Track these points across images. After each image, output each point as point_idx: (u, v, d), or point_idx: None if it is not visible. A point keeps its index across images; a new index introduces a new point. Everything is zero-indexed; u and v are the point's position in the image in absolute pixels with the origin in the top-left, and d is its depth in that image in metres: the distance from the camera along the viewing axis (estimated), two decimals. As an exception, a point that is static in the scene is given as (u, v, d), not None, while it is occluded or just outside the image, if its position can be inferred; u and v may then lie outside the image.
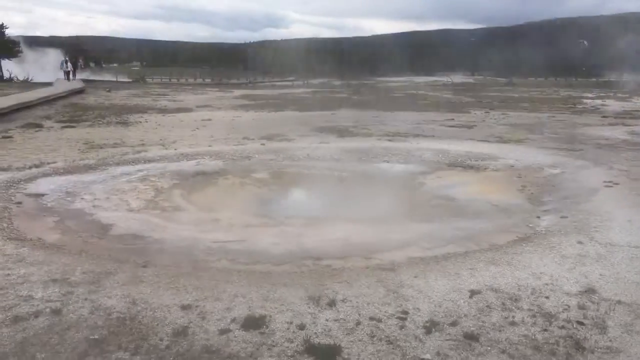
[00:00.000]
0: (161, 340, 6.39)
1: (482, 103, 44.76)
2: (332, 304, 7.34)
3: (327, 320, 6.90)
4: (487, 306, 7.32)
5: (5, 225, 11.09)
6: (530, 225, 11.74)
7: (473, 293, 7.72)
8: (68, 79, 62.37)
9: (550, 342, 6.37)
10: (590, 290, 7.83)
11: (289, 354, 6.10)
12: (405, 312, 7.11)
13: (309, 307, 7.26)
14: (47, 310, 7.11)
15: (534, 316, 7.03)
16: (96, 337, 6.43)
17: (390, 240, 10.68)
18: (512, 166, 18.97)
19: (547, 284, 8.08)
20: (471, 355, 6.08)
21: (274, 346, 6.28)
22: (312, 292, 7.69)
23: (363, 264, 9.33)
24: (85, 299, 7.49)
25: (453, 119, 32.52)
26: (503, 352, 6.15)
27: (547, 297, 7.62)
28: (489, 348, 6.23)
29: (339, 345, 6.26)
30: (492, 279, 8.25)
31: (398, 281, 8.17)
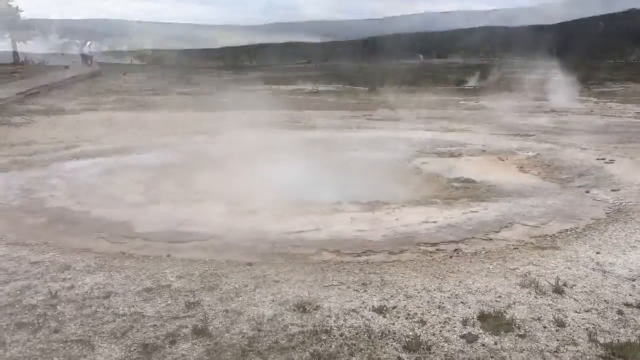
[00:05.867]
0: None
1: (373, 104, 44.68)
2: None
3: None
4: None
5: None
6: (599, 199, 10.98)
7: None
8: (89, 63, 53.81)
9: None
10: None
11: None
12: None
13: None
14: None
15: None
16: None
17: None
18: (484, 151, 18.50)
19: None
20: None
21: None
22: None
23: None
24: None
25: (371, 115, 31.89)
26: None
27: None
28: None
29: None
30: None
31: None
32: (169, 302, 5.61)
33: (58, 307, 5.44)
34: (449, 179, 13.90)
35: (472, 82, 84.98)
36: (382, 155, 17.62)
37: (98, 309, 5.40)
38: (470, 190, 12.33)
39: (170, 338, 4.82)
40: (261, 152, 15.96)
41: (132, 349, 4.62)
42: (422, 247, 8.01)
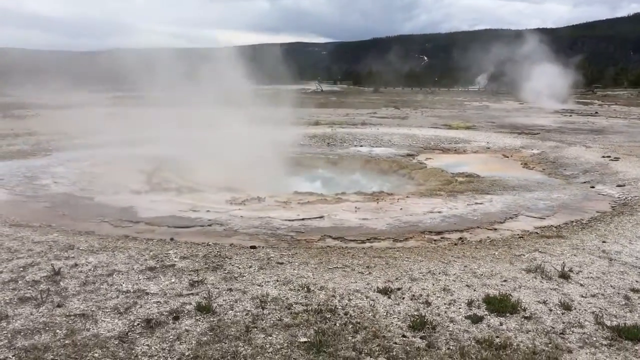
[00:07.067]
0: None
1: (377, 103, 44.75)
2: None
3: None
4: None
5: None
6: (605, 194, 10.94)
7: None
8: None
9: None
10: None
11: None
12: None
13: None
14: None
15: None
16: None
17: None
18: (489, 148, 18.47)
19: None
20: None
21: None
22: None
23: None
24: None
25: (376, 113, 31.90)
26: None
27: None
28: None
29: None
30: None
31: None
32: (173, 280, 5.58)
33: (61, 283, 5.42)
34: (453, 173, 13.85)
35: (481, 83, 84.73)
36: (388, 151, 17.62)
37: (101, 286, 5.37)
38: (474, 184, 12.28)
39: (174, 314, 4.78)
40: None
41: (135, 324, 4.59)
42: (426, 236, 7.97)
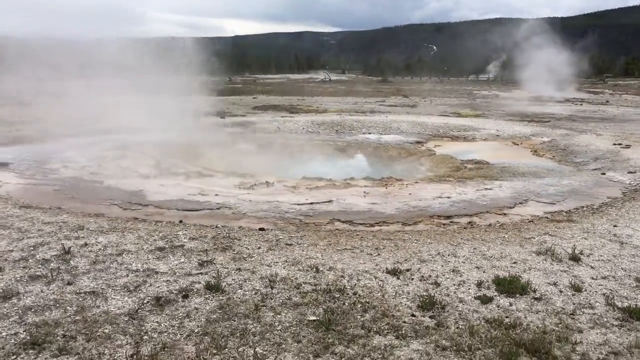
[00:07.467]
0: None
1: (386, 92, 44.55)
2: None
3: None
4: None
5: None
6: (616, 180, 10.86)
7: None
8: None
9: None
10: None
11: None
12: None
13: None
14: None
15: None
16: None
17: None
18: (498, 136, 18.36)
19: None
20: None
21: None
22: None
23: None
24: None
25: (384, 101, 31.76)
26: None
27: None
28: None
29: None
30: None
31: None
32: (182, 260, 5.59)
33: (71, 262, 5.44)
34: (462, 160, 13.78)
35: (492, 72, 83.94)
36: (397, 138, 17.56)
37: (111, 265, 5.39)
38: (483, 171, 12.21)
39: (183, 293, 4.79)
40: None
41: (145, 302, 4.61)
42: (436, 220, 7.94)
